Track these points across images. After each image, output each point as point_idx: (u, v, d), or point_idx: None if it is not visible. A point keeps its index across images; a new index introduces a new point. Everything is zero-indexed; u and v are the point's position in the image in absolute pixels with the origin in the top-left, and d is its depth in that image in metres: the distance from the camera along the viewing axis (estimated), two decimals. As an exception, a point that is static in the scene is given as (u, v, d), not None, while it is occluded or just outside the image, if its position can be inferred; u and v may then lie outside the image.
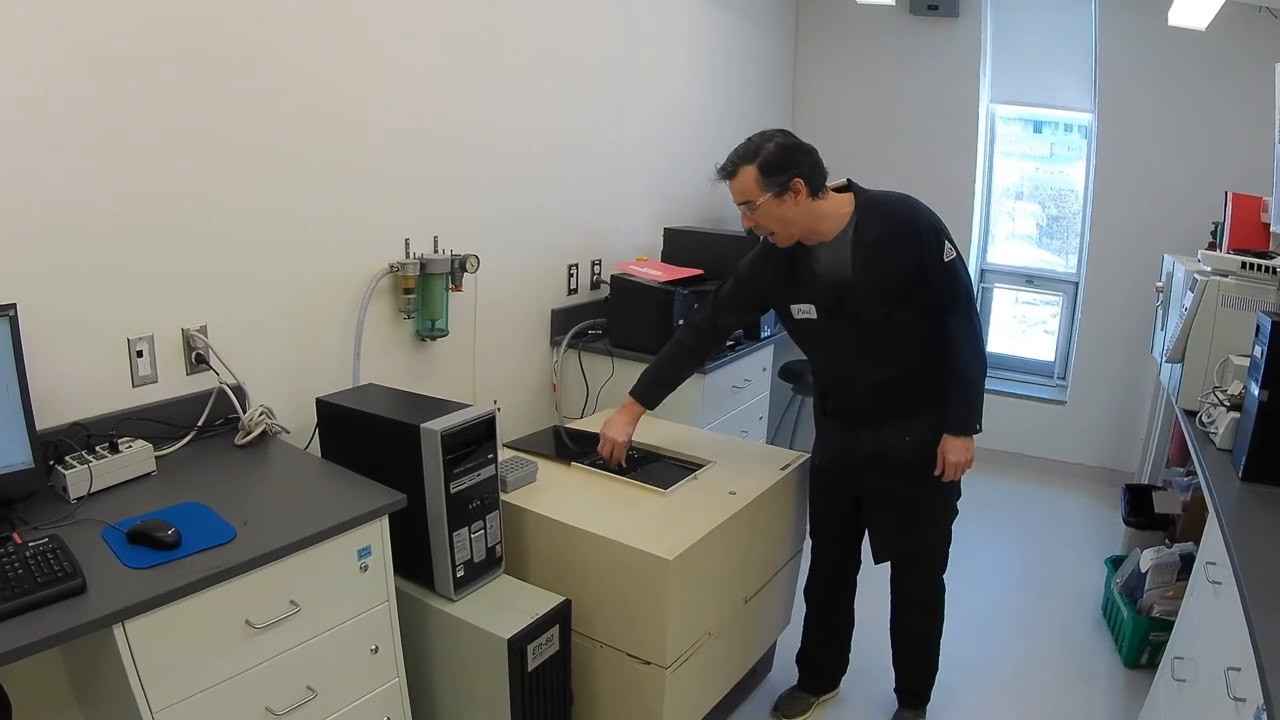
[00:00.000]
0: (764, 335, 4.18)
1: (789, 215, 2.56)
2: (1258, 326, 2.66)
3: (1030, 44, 5.40)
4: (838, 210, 2.62)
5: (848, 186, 2.66)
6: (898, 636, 3.13)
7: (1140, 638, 3.55)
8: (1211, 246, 4.31)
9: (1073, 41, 5.24)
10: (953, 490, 2.84)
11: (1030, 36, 5.39)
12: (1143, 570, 3.65)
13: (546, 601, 2.51)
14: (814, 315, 2.70)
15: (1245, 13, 4.52)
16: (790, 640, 3.36)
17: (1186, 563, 3.54)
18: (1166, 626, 3.38)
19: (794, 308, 2.73)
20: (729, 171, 2.58)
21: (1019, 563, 4.65)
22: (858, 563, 3.10)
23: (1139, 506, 4.24)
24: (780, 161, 2.52)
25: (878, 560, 2.96)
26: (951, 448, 2.69)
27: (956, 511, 2.91)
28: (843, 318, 2.64)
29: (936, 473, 2.73)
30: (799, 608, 3.30)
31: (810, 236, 2.64)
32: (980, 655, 3.29)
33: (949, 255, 2.59)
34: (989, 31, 5.45)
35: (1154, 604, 3.55)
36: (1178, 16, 4.22)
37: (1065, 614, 4.07)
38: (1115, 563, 4.08)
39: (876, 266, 2.58)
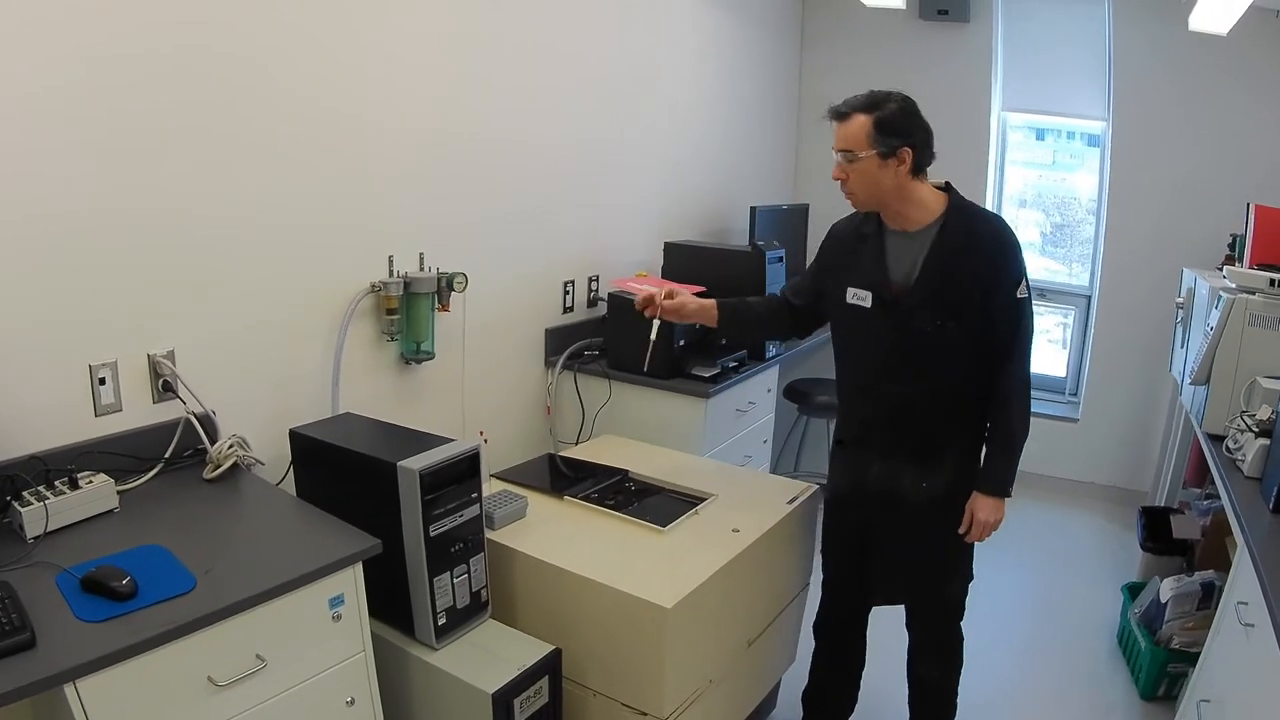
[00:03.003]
0: (769, 355, 4.05)
1: (884, 182, 2.46)
2: None
3: (1042, 50, 5.32)
4: (929, 202, 2.53)
5: (945, 188, 2.58)
6: (913, 683, 3.02)
7: (1158, 670, 3.46)
8: (1229, 260, 4.24)
9: (1086, 48, 5.17)
10: (968, 549, 2.74)
11: (1042, 42, 5.32)
12: (1162, 600, 3.56)
13: (535, 651, 2.38)
14: (868, 304, 2.58)
15: (1264, 17, 4.44)
16: (795, 675, 3.23)
17: (1207, 591, 3.46)
18: (1185, 658, 3.36)
19: (851, 290, 2.62)
20: (842, 114, 2.46)
21: (1029, 587, 4.54)
22: (867, 611, 2.98)
23: (1156, 530, 4.16)
24: (898, 124, 2.41)
25: (880, 603, 2.87)
26: (983, 506, 2.59)
27: (971, 563, 2.81)
28: (894, 315, 2.54)
29: (961, 530, 2.63)
30: (804, 642, 3.18)
31: (893, 218, 2.55)
32: (991, 684, 3.18)
33: (1022, 293, 2.50)
34: (1000, 37, 5.38)
35: (1174, 635, 3.46)
36: (1199, 21, 4.12)
37: (1079, 642, 3.97)
38: (1132, 590, 3.99)
39: (947, 274, 2.48)
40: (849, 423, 2.81)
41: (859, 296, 2.60)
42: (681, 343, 3.64)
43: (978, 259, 2.47)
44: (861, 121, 2.42)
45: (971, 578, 2.80)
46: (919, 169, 2.47)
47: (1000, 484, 2.58)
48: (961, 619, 2.86)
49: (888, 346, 2.58)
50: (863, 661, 3.07)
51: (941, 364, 2.55)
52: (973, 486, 2.62)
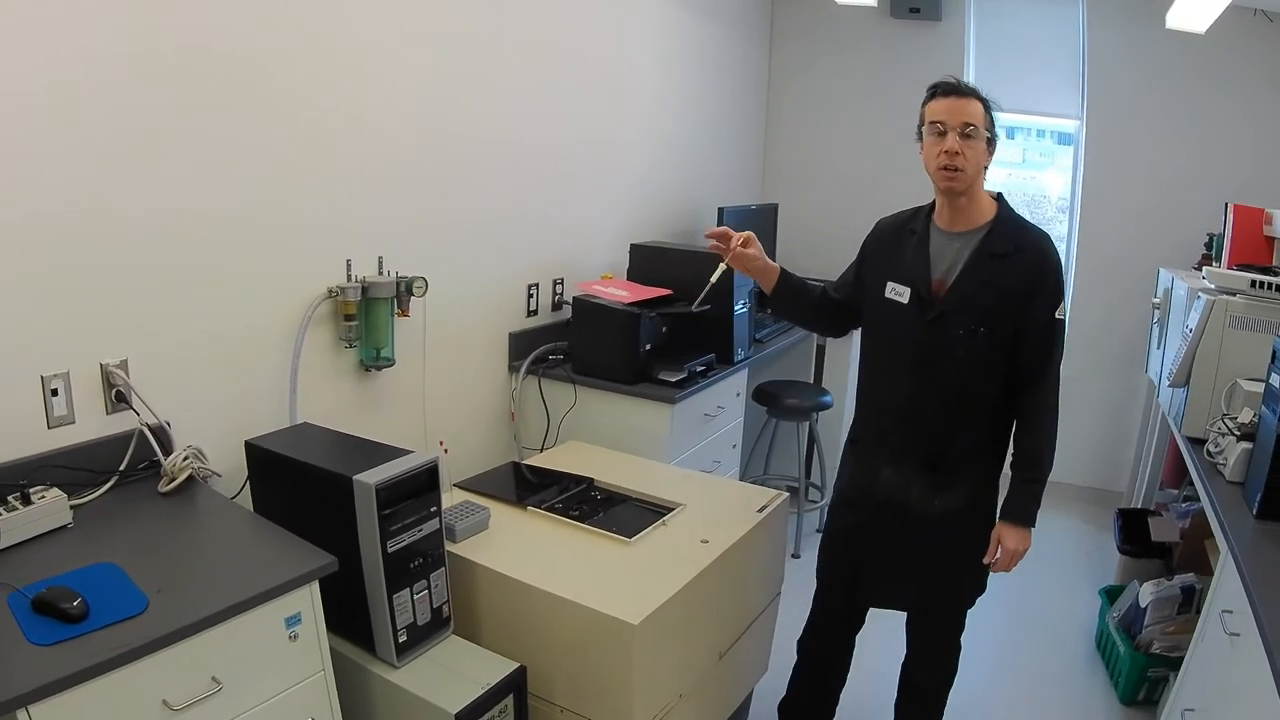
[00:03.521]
0: (738, 358, 3.98)
1: (982, 165, 2.46)
2: (1274, 352, 2.54)
3: (1015, 49, 5.31)
4: (984, 204, 2.53)
5: (998, 197, 2.57)
6: (905, 690, 3.00)
7: (1138, 675, 3.45)
8: (1206, 259, 4.23)
9: (1059, 46, 5.16)
10: (983, 567, 2.69)
11: (1015, 41, 5.31)
12: (1142, 605, 3.55)
13: (499, 668, 2.31)
14: (905, 300, 2.56)
15: (1241, 16, 4.44)
16: (767, 686, 3.17)
17: (1187, 595, 3.46)
18: (1164, 662, 3.36)
19: (890, 284, 2.60)
20: (963, 91, 2.43)
21: (1004, 590, 4.38)
22: (862, 619, 2.93)
23: (1133, 533, 4.14)
24: (992, 117, 2.45)
25: (880, 605, 2.85)
26: (1011, 536, 2.55)
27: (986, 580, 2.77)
28: (928, 314, 2.51)
29: (988, 560, 2.60)
30: (777, 651, 3.14)
31: (955, 211, 2.53)
32: (967, 690, 3.12)
33: (1060, 315, 2.49)
34: (972, 36, 5.37)
35: (1154, 640, 3.45)
36: (1176, 19, 4.11)
37: (1057, 646, 3.95)
38: (1110, 593, 3.98)
39: (988, 279, 2.47)
40: (864, 419, 2.77)
41: (897, 291, 2.58)
42: (648, 346, 3.57)
43: (1019, 269, 2.45)
44: (977, 103, 2.41)
45: (984, 590, 2.77)
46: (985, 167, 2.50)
47: (1028, 515, 2.55)
48: (962, 633, 2.85)
49: (916, 344, 2.55)
50: (845, 680, 3.04)
51: (965, 370, 2.51)
52: (994, 507, 2.61)
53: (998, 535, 2.57)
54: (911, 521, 2.61)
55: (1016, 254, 2.45)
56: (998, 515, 2.60)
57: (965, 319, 2.47)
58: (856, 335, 2.94)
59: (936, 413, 2.56)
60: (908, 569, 2.69)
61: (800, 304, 2.82)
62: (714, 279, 2.71)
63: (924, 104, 2.48)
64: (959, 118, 2.39)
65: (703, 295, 2.79)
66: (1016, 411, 2.56)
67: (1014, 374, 2.51)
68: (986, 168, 2.47)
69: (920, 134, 2.49)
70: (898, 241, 2.63)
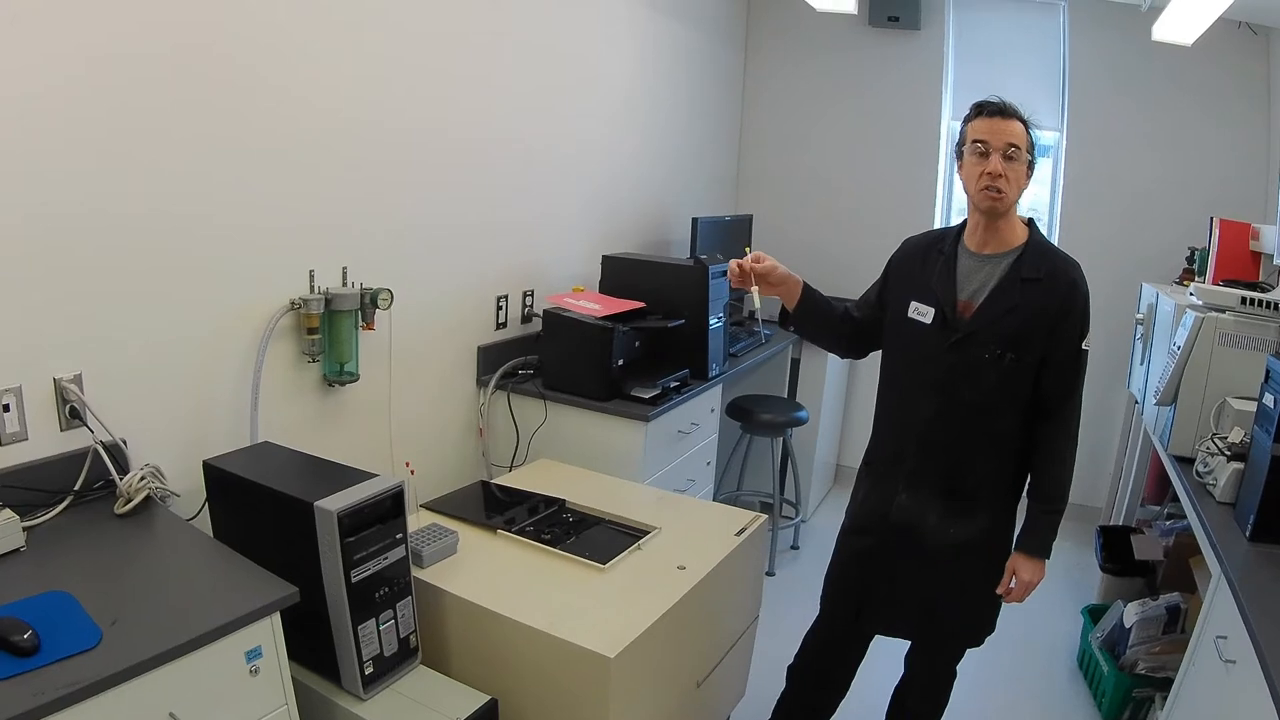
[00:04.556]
0: (713, 374, 3.91)
1: (1023, 186, 2.43)
2: (1268, 371, 2.51)
3: (995, 59, 5.28)
4: (1017, 228, 2.50)
5: (1029, 223, 2.53)
6: (895, 714, 2.99)
7: (1123, 695, 3.40)
8: (1188, 274, 4.20)
9: (1039, 57, 5.14)
10: (995, 605, 2.68)
11: (994, 51, 5.28)
12: (1126, 625, 3.51)
13: (470, 701, 2.23)
14: (928, 320, 2.52)
15: (1226, 29, 4.41)
16: (746, 709, 3.13)
17: (1173, 615, 3.42)
18: (1150, 682, 3.32)
19: (914, 304, 2.56)
20: (1009, 113, 2.39)
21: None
22: (865, 648, 2.87)
23: (1115, 550, 4.11)
24: (1033, 142, 2.41)
25: (881, 633, 2.78)
26: (1025, 567, 2.53)
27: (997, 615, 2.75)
28: (954, 335, 2.47)
29: (1001, 590, 2.58)
30: (755, 675, 3.10)
31: (986, 233, 2.49)
32: (951, 710, 3.05)
33: (1086, 346, 2.48)
34: (951, 45, 5.34)
35: (1139, 660, 3.40)
36: (1163, 31, 4.08)
37: (1039, 667, 3.91)
38: (1093, 613, 3.94)
39: (1014, 304, 2.43)
40: (881, 441, 2.73)
41: (920, 312, 2.54)
42: (620, 361, 3.49)
43: (1049, 296, 2.42)
44: (1020, 125, 2.37)
45: (993, 630, 2.74)
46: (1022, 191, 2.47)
47: (1045, 547, 2.53)
48: (960, 660, 2.83)
49: (937, 366, 2.51)
50: (836, 706, 2.98)
51: (988, 395, 2.48)
52: (1009, 539, 2.59)
53: (1013, 566, 2.54)
54: (926, 549, 2.57)
55: (1047, 280, 2.41)
56: (1013, 545, 2.57)
57: (991, 343, 2.43)
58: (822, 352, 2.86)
59: (956, 438, 2.51)
60: (919, 598, 2.64)
61: (822, 322, 2.76)
62: (756, 306, 2.63)
63: (966, 122, 2.43)
64: (1003, 138, 2.36)
65: (757, 318, 2.81)
66: (1036, 440, 2.51)
67: (1036, 402, 2.47)
68: (1024, 190, 2.43)
69: (960, 153, 2.45)
70: (924, 261, 2.59)
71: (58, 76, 2.14)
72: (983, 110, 2.39)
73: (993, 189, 2.36)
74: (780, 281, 2.63)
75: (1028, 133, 2.37)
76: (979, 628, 2.70)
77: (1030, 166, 2.40)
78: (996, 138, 2.35)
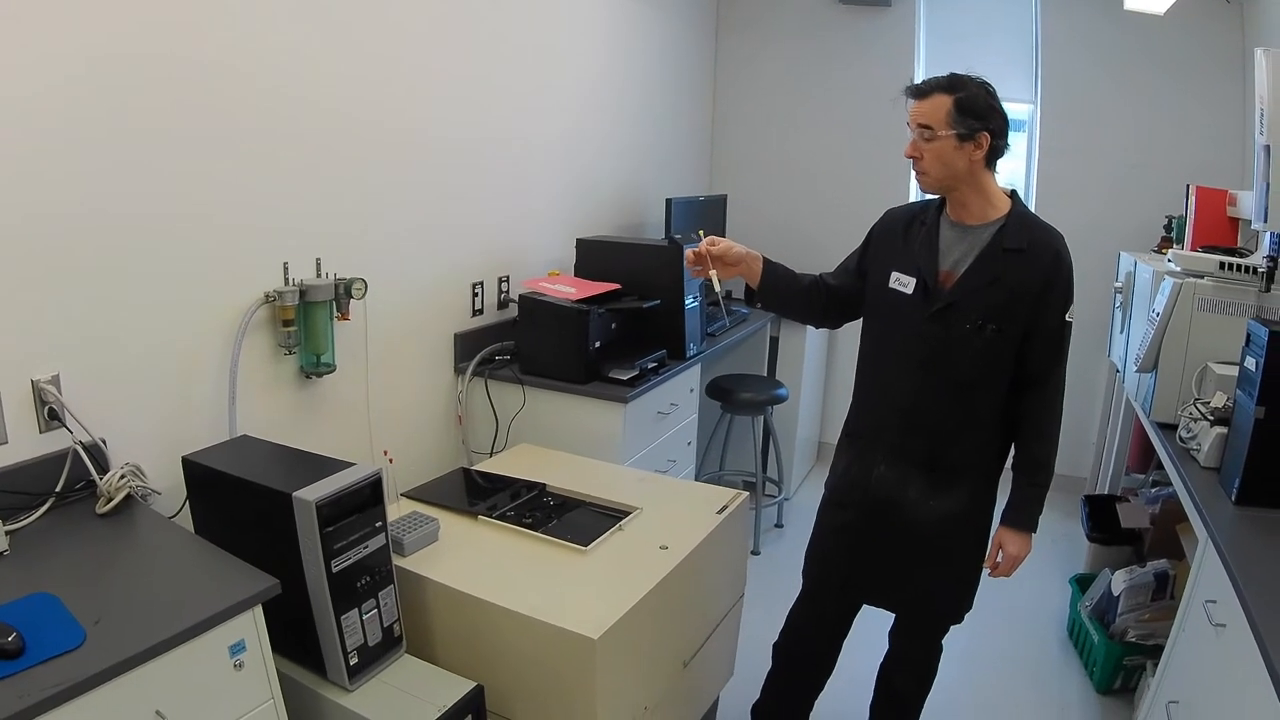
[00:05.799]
0: (690, 354, 3.89)
1: (957, 164, 2.37)
2: (1249, 335, 2.50)
3: (966, 34, 5.26)
4: (995, 198, 2.46)
5: (1011, 195, 2.52)
6: (885, 693, 2.96)
7: (1114, 664, 3.43)
8: (1166, 242, 4.22)
9: (1011, 31, 5.13)
10: (976, 580, 2.69)
11: (965, 26, 5.26)
12: (1114, 593, 3.51)
13: (456, 689, 2.22)
14: (909, 290, 2.51)
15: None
16: (733, 690, 3.11)
17: (1161, 582, 3.42)
18: (1140, 650, 3.34)
19: (895, 274, 2.55)
20: (922, 92, 2.38)
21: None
22: (850, 623, 2.86)
23: (1101, 519, 4.11)
24: (979, 108, 2.33)
25: (871, 603, 2.78)
26: (1013, 541, 2.54)
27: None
28: (934, 306, 2.46)
29: (988, 564, 2.60)
30: (743, 654, 3.10)
31: (957, 206, 2.49)
32: (941, 684, 3.04)
33: (1070, 316, 2.48)
34: (922, 21, 5.32)
35: (1128, 628, 3.41)
36: (1135, 1, 4.08)
37: (1029, 638, 3.93)
38: (1081, 582, 3.95)
39: (997, 275, 2.41)
40: (861, 413, 2.72)
41: (901, 282, 2.53)
42: (597, 344, 3.47)
43: (1032, 267, 2.41)
44: (941, 100, 2.34)
45: (971, 608, 2.75)
46: (993, 158, 2.41)
47: (1032, 520, 2.54)
48: (945, 634, 2.83)
49: (919, 338, 2.50)
50: (825, 682, 2.97)
51: (970, 367, 2.47)
52: (990, 512, 2.60)
53: (999, 540, 2.54)
54: (907, 522, 2.56)
55: (1030, 251, 2.40)
56: (999, 519, 2.56)
57: (972, 314, 2.41)
58: (812, 330, 2.83)
59: (938, 410, 2.51)
60: (901, 572, 2.63)
61: (789, 294, 2.73)
62: (718, 289, 2.61)
63: None
64: (914, 119, 2.39)
65: (723, 309, 2.88)
66: (1020, 414, 2.51)
67: (1020, 375, 2.47)
68: (986, 161, 2.39)
69: None
70: (906, 232, 2.58)
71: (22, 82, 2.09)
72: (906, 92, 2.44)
73: (916, 170, 2.43)
74: (737, 261, 2.61)
75: (958, 108, 2.32)
76: (959, 601, 2.69)
77: (966, 140, 2.34)
78: (912, 119, 2.39)
